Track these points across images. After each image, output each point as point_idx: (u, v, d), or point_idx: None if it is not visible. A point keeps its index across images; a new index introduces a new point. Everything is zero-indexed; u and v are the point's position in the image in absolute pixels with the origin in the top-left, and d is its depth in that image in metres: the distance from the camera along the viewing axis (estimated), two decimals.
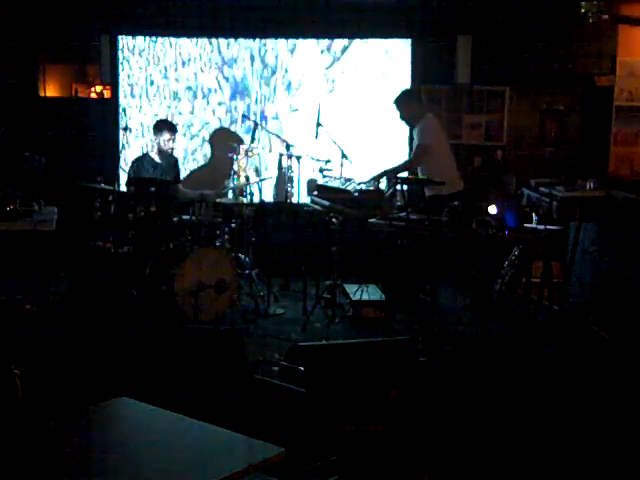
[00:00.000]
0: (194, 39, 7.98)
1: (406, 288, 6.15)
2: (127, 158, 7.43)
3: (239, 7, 7.66)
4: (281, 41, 7.90)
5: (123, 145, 6.98)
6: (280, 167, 7.39)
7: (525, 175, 7.62)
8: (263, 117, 7.98)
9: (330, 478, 3.05)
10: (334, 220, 6.11)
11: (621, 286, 6.05)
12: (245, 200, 6.63)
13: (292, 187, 6.79)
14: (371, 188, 6.41)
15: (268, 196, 7.45)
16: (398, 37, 7.74)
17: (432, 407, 4.15)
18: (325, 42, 7.86)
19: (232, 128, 8.09)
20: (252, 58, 8.03)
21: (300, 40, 7.86)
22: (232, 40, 7.95)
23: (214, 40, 7.97)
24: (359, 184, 6.44)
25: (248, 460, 2.18)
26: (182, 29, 7.84)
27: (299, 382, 3.04)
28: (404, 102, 6.48)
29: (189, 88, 8.15)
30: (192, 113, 8.13)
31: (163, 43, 8.00)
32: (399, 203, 6.21)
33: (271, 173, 7.61)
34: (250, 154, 7.04)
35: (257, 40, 7.94)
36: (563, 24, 7.62)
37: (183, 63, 8.08)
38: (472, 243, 5.50)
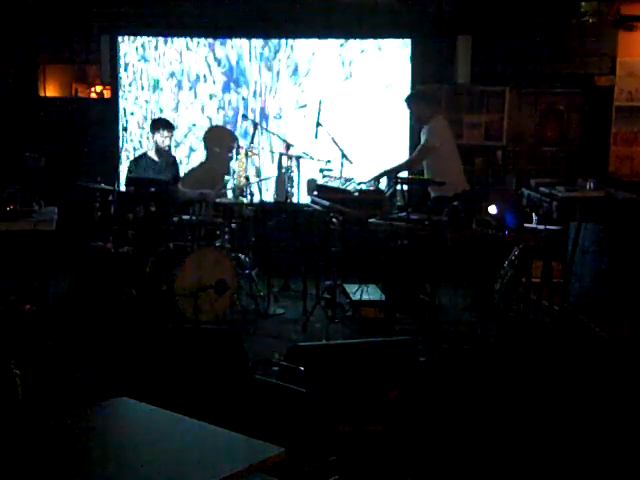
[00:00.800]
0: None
1: (406, 288, 6.14)
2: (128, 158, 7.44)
3: (239, 7, 7.66)
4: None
5: (123, 145, 6.98)
6: (280, 167, 7.39)
7: (525, 175, 7.62)
8: (263, 116, 7.92)
9: (330, 478, 3.05)
10: (334, 220, 6.11)
11: (621, 286, 6.05)
12: (245, 200, 6.64)
13: (292, 187, 6.80)
14: (371, 188, 6.42)
15: (268, 196, 7.46)
16: (398, 37, 7.74)
17: (432, 407, 4.15)
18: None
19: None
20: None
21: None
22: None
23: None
24: (359, 184, 6.44)
25: (248, 460, 2.18)
26: (182, 29, 7.83)
27: (299, 382, 3.04)
28: (414, 101, 6.52)
29: (172, 75, 7.97)
30: (176, 110, 7.96)
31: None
32: (399, 203, 6.22)
33: (271, 173, 7.61)
34: (250, 154, 7.04)
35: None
36: (563, 24, 7.62)
37: (165, 40, 7.89)
38: (472, 243, 5.50)
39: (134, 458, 2.22)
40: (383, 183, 6.56)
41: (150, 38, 7.89)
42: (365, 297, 6.15)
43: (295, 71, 7.91)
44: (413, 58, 7.72)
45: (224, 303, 5.94)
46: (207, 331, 4.70)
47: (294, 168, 6.75)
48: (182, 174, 7.38)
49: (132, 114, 7.99)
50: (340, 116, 7.61)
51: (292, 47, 7.85)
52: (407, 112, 7.51)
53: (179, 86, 7.99)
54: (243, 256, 6.65)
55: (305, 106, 7.84)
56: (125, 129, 7.18)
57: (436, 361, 5.02)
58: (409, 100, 6.59)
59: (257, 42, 7.84)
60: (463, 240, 5.47)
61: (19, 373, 3.32)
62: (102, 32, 7.80)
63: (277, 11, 7.68)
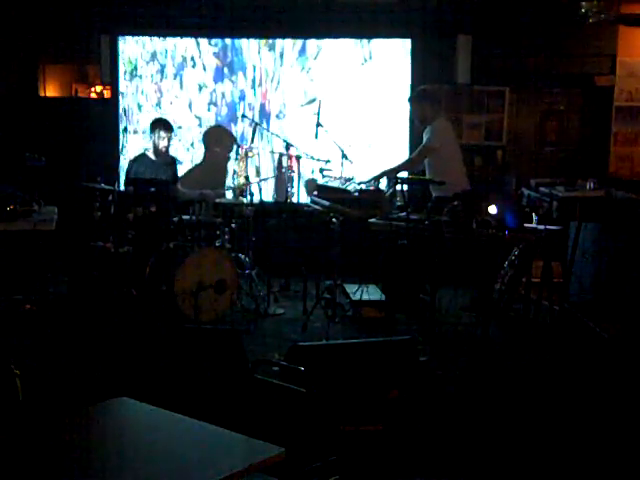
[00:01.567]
0: None
1: (406, 288, 6.14)
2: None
3: (239, 7, 7.66)
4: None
5: (123, 145, 6.98)
6: (280, 167, 7.39)
7: (525, 175, 7.62)
8: (264, 115, 7.89)
9: (330, 478, 3.06)
10: (334, 220, 6.11)
11: (621, 286, 6.05)
12: (245, 200, 6.64)
13: (292, 187, 6.80)
14: (371, 188, 6.42)
15: (268, 196, 7.46)
16: (398, 37, 7.74)
17: (432, 407, 4.15)
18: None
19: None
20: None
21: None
22: None
23: None
24: (359, 184, 6.44)
25: (248, 460, 2.18)
26: (182, 29, 7.83)
27: (299, 382, 3.04)
28: (418, 100, 6.44)
29: (153, 57, 7.85)
30: (158, 106, 7.83)
31: None
32: (399, 203, 6.22)
33: (271, 173, 7.61)
34: (250, 154, 7.04)
35: None
36: (563, 24, 7.62)
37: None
38: (472, 243, 5.50)
39: (134, 458, 2.22)
40: (383, 183, 6.56)
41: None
42: (365, 297, 6.15)
43: (302, 51, 7.77)
44: (413, 58, 7.72)
45: (224, 303, 5.94)
46: (207, 331, 4.70)
47: (294, 168, 6.75)
48: (181, 174, 7.39)
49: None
50: (340, 116, 7.62)
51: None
52: (407, 112, 7.53)
53: (161, 72, 7.84)
54: (243, 256, 6.65)
55: (314, 100, 7.66)
56: (125, 129, 7.19)
57: (436, 361, 5.02)
58: (412, 99, 6.57)
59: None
60: (463, 240, 5.47)
61: (19, 373, 3.31)
62: (102, 32, 7.80)
63: (277, 11, 7.67)
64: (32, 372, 3.96)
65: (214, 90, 7.91)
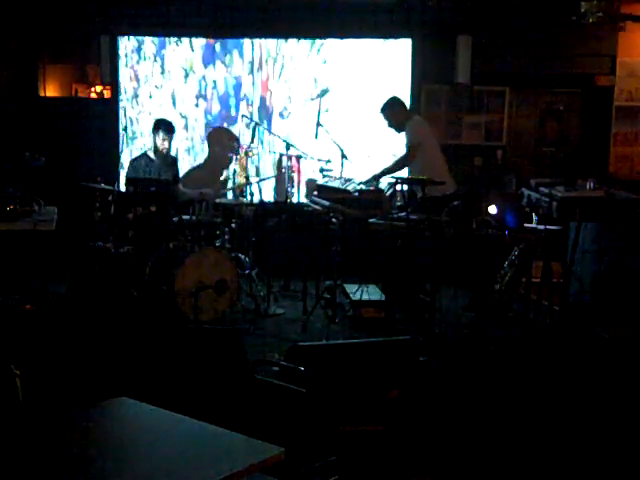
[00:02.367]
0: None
1: (406, 288, 6.14)
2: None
3: (239, 7, 7.66)
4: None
5: (123, 145, 6.98)
6: (280, 167, 7.39)
7: (525, 175, 7.62)
8: (265, 113, 7.87)
9: (330, 478, 3.05)
10: (334, 220, 6.11)
11: (621, 286, 6.05)
12: (245, 200, 6.64)
13: (292, 187, 6.80)
14: (371, 188, 6.42)
15: (268, 196, 7.46)
16: (398, 37, 7.74)
17: (432, 407, 4.15)
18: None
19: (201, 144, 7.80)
20: None
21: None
22: None
23: None
24: (359, 184, 6.44)
25: (248, 460, 2.18)
26: (182, 29, 7.83)
27: (299, 382, 3.04)
28: (389, 110, 6.50)
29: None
30: (135, 100, 7.77)
31: None
32: (399, 203, 6.22)
33: (271, 173, 7.61)
34: (250, 154, 7.04)
35: None
36: (563, 24, 7.62)
37: None
38: (472, 243, 5.50)
39: (134, 458, 2.22)
40: (383, 183, 6.57)
41: None
42: (365, 297, 6.15)
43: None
44: (413, 58, 7.72)
45: (224, 303, 5.94)
46: (207, 331, 4.70)
47: (295, 169, 6.75)
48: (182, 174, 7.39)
49: None
50: (340, 116, 7.61)
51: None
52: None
53: (138, 51, 7.73)
54: (243, 256, 6.65)
55: (327, 91, 7.59)
56: (125, 129, 7.18)
57: (436, 361, 5.02)
58: (384, 110, 6.53)
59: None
60: (463, 240, 5.47)
61: (19, 373, 3.31)
62: (102, 32, 7.80)
63: (277, 11, 7.67)
64: (32, 372, 3.95)
65: (203, 77, 7.77)
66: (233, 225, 6.55)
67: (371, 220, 5.80)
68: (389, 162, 6.61)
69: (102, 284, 6.05)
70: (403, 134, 6.48)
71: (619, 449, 3.93)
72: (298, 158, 6.71)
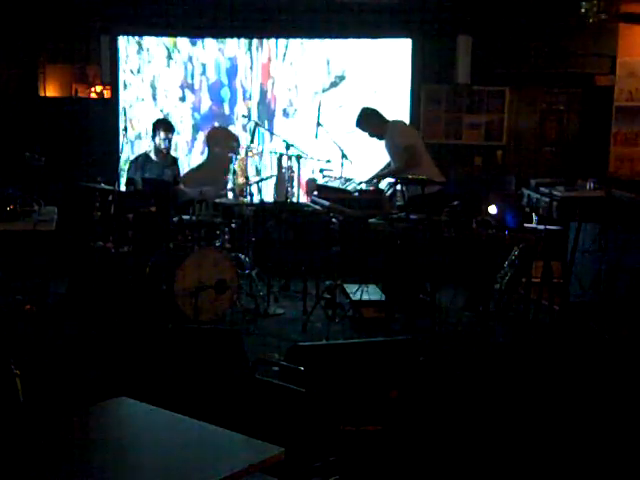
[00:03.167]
0: None
1: (406, 288, 6.14)
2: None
3: (239, 7, 7.66)
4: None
5: (123, 145, 6.98)
6: (280, 167, 7.39)
7: (525, 175, 7.62)
8: (267, 112, 7.83)
9: (330, 478, 3.05)
10: (334, 220, 6.11)
11: (621, 286, 6.05)
12: (245, 200, 6.64)
13: (292, 187, 6.80)
14: (371, 188, 6.42)
15: (268, 196, 7.45)
16: (398, 37, 7.74)
17: (432, 407, 4.15)
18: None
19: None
20: None
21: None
22: None
23: None
24: (359, 184, 6.44)
25: (248, 460, 2.18)
26: (182, 29, 7.83)
27: (299, 382, 3.04)
28: (365, 121, 6.52)
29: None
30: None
31: None
32: (399, 203, 6.22)
33: (271, 173, 7.60)
34: (250, 154, 7.04)
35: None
36: (563, 24, 7.62)
37: None
38: (472, 243, 5.50)
39: (134, 458, 2.22)
40: (383, 183, 6.57)
41: None
42: (365, 297, 6.14)
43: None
44: (413, 58, 7.72)
45: (224, 303, 5.94)
46: (207, 331, 4.69)
47: (294, 168, 6.75)
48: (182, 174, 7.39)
49: None
50: (340, 116, 7.61)
51: None
52: (407, 112, 7.55)
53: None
54: (243, 256, 6.65)
55: (343, 79, 7.36)
56: (125, 129, 7.17)
57: (436, 361, 5.02)
58: (360, 122, 6.53)
59: None
60: (463, 240, 5.47)
61: (19, 373, 3.31)
62: (102, 32, 7.80)
63: (277, 11, 7.67)
64: (32, 372, 3.96)
65: (189, 59, 7.63)
66: (233, 225, 6.55)
67: (371, 220, 5.79)
68: (390, 164, 6.61)
69: (102, 284, 6.05)
70: (383, 142, 6.49)
71: (619, 449, 3.93)
72: (298, 158, 6.70)
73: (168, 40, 7.50)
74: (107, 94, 8.04)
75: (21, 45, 7.88)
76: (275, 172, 7.54)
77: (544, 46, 7.73)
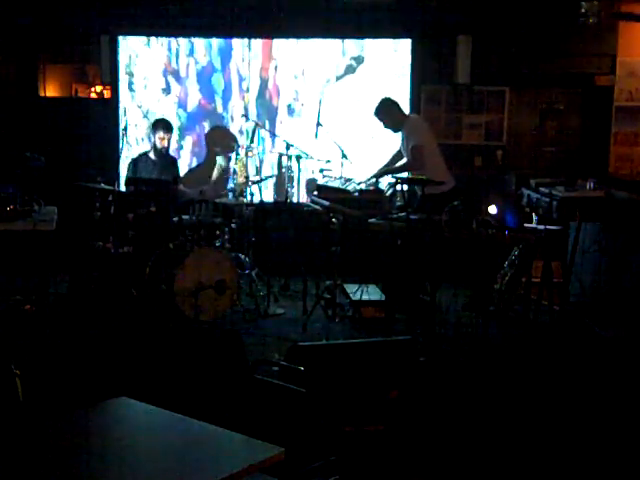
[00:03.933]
0: None
1: (406, 288, 6.14)
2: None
3: (239, 7, 7.66)
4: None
5: (123, 145, 6.98)
6: (280, 167, 7.39)
7: (525, 175, 7.62)
8: (268, 109, 7.81)
9: (330, 478, 3.05)
10: (334, 220, 6.11)
11: (621, 286, 6.05)
12: (245, 200, 6.64)
13: (292, 187, 6.80)
14: (371, 188, 6.42)
15: (268, 196, 7.45)
16: (398, 37, 7.74)
17: (432, 407, 4.15)
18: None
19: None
20: None
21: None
22: None
23: None
24: (359, 184, 6.44)
25: (248, 460, 2.18)
26: (182, 29, 7.83)
27: (299, 382, 3.04)
28: (384, 111, 6.50)
29: None
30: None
31: None
32: (399, 203, 6.22)
33: (271, 173, 7.60)
34: (250, 154, 7.04)
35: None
36: (563, 24, 7.62)
37: None
38: (472, 243, 5.50)
39: (134, 458, 2.22)
40: (383, 183, 6.57)
41: None
42: (365, 297, 6.14)
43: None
44: (413, 58, 7.72)
45: (224, 303, 5.94)
46: (207, 331, 4.70)
47: (294, 168, 6.75)
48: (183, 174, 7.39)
49: None
50: (340, 116, 7.61)
51: None
52: (407, 111, 7.52)
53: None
54: (243, 256, 6.65)
55: (361, 61, 7.14)
56: (125, 129, 7.16)
57: (436, 361, 5.01)
58: (379, 112, 6.51)
59: None
60: (463, 240, 5.47)
61: (19, 373, 3.31)
62: (102, 32, 7.80)
63: (277, 11, 7.67)
64: (32, 372, 3.95)
65: (174, 37, 7.52)
66: (233, 225, 6.55)
67: (371, 220, 5.79)
68: (392, 162, 6.60)
69: (102, 284, 6.05)
70: (399, 134, 6.48)
71: (619, 449, 3.93)
72: (298, 158, 6.70)
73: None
74: (107, 94, 8.04)
75: (21, 45, 7.88)
76: (275, 172, 7.55)
77: (544, 46, 7.73)
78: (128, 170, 6.90)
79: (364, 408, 3.78)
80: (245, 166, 6.90)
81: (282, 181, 7.22)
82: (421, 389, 4.14)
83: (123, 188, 6.71)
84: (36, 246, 5.73)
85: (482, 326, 5.54)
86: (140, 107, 7.37)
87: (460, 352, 5.33)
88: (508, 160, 7.97)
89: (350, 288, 6.31)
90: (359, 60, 7.49)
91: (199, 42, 7.06)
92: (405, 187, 6.14)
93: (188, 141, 7.40)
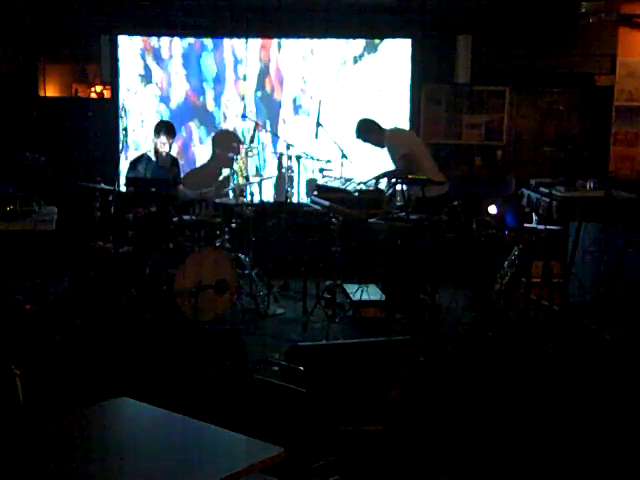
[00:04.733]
0: None
1: (406, 288, 6.14)
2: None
3: (239, 7, 7.66)
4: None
5: (123, 145, 6.97)
6: (280, 167, 7.39)
7: (525, 175, 7.62)
8: (269, 104, 7.79)
9: (330, 478, 3.05)
10: (334, 220, 6.11)
11: (621, 286, 6.05)
12: (245, 200, 6.63)
13: (292, 187, 6.79)
14: (371, 188, 6.42)
15: (268, 196, 7.45)
16: (398, 37, 7.73)
17: (432, 407, 4.15)
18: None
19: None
20: None
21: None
22: None
23: None
24: (359, 184, 6.44)
25: (248, 460, 2.18)
26: (182, 29, 7.82)
27: (299, 382, 3.04)
28: (364, 131, 6.54)
29: None
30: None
31: None
32: (399, 203, 6.22)
33: (271, 173, 7.60)
34: (250, 154, 7.03)
35: None
36: (563, 24, 7.62)
37: None
38: (472, 243, 5.50)
39: (134, 458, 2.22)
40: (383, 183, 6.56)
41: None
42: (365, 297, 6.14)
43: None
44: (413, 58, 7.72)
45: (224, 303, 5.94)
46: (207, 331, 4.70)
47: (294, 168, 6.75)
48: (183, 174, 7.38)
49: None
50: (340, 116, 7.60)
51: None
52: (407, 111, 7.54)
53: None
54: (243, 256, 6.65)
55: (374, 50, 7.02)
56: (125, 129, 7.16)
57: (436, 361, 5.01)
58: (359, 132, 6.55)
59: None
60: (463, 240, 5.46)
61: (19, 373, 3.31)
62: (102, 32, 7.80)
63: (277, 11, 7.67)
64: (32, 372, 3.96)
65: (175, 38, 7.10)
66: (233, 225, 6.55)
67: (371, 220, 5.79)
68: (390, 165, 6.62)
69: (102, 284, 6.05)
70: (386, 150, 6.51)
71: (619, 449, 3.93)
72: (298, 158, 6.70)
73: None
74: (107, 94, 8.04)
75: (21, 45, 7.88)
76: (275, 172, 7.54)
77: (544, 46, 7.73)
78: (128, 171, 6.89)
79: (364, 408, 3.78)
80: (245, 166, 6.89)
81: (282, 181, 7.21)
82: (421, 389, 4.14)
83: (123, 188, 6.70)
84: (36, 246, 5.73)
85: (482, 326, 5.54)
86: (121, 107, 7.02)
87: (460, 352, 5.33)
88: (508, 160, 7.97)
89: (350, 288, 6.31)
90: (374, 48, 7.18)
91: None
92: (405, 187, 6.13)
93: (173, 149, 6.69)
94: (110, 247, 6.15)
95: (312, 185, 6.79)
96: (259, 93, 7.44)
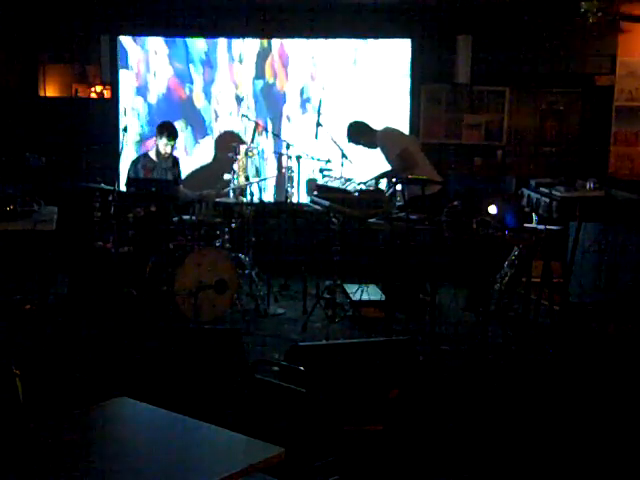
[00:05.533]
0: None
1: (406, 288, 6.14)
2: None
3: (239, 7, 7.66)
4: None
5: (123, 145, 6.96)
6: (280, 167, 7.39)
7: (525, 175, 7.62)
8: (272, 101, 7.80)
9: (330, 478, 3.05)
10: (334, 220, 6.11)
11: (621, 286, 6.05)
12: (245, 200, 6.63)
13: (292, 187, 6.79)
14: (371, 188, 6.41)
15: (268, 196, 7.45)
16: (398, 37, 7.74)
17: (432, 407, 4.15)
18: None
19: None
20: None
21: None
22: None
23: None
24: (359, 184, 6.44)
25: (248, 460, 2.18)
26: (182, 29, 7.83)
27: (299, 382, 3.04)
28: (355, 133, 6.52)
29: None
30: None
31: None
32: (399, 203, 6.21)
33: (271, 173, 7.59)
34: (250, 154, 7.03)
35: None
36: (563, 24, 7.62)
37: None
38: (472, 243, 5.50)
39: (134, 458, 2.22)
40: (383, 183, 6.56)
41: None
42: (365, 297, 6.15)
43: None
44: (413, 58, 7.72)
45: (224, 303, 5.94)
46: (207, 331, 4.70)
47: (294, 168, 6.75)
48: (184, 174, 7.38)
49: None
50: (340, 116, 7.61)
51: None
52: (407, 111, 7.54)
53: None
54: (243, 256, 6.65)
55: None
56: (125, 129, 7.14)
57: (436, 361, 5.01)
58: (350, 136, 6.53)
59: None
60: (463, 240, 5.46)
61: (19, 373, 3.31)
62: (102, 32, 7.80)
63: (277, 11, 7.67)
64: (32, 372, 3.95)
65: (175, 38, 7.11)
66: (233, 225, 6.55)
67: (371, 220, 5.79)
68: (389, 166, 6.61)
69: (102, 284, 6.05)
70: (379, 150, 6.50)
71: (619, 448, 3.93)
72: (298, 158, 6.70)
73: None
74: (107, 94, 8.04)
75: (21, 45, 7.89)
76: (275, 172, 7.54)
77: (544, 46, 7.73)
78: (129, 171, 6.88)
79: (364, 408, 3.78)
80: (245, 166, 6.89)
81: (282, 181, 7.21)
82: (421, 389, 4.14)
83: (123, 188, 6.70)
84: (36, 246, 5.73)
85: (482, 326, 5.54)
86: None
87: (460, 352, 5.33)
88: (508, 160, 7.97)
89: (350, 288, 6.31)
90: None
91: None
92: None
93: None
94: (110, 247, 6.15)
95: (312, 185, 6.79)
96: (259, 83, 7.28)
